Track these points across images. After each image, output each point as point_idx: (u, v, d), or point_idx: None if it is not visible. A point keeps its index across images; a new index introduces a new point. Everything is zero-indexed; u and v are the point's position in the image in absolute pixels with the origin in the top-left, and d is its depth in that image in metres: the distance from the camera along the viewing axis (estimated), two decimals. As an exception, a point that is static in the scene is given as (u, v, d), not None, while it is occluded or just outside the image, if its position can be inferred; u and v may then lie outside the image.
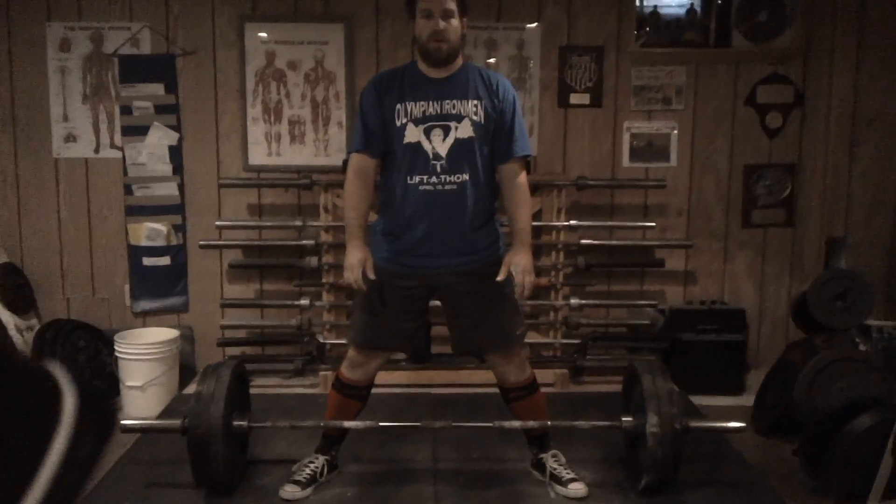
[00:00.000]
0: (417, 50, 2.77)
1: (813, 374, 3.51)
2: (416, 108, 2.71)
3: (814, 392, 3.48)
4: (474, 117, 2.71)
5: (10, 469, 0.66)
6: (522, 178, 2.80)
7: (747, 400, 4.15)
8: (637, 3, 4.45)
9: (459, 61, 2.78)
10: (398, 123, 2.71)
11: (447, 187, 2.70)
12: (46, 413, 0.71)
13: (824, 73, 4.48)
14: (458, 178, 2.70)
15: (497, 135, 2.75)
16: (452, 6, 2.68)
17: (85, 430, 0.72)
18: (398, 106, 2.71)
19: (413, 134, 2.70)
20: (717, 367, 4.36)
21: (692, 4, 4.49)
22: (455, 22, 2.69)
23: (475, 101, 2.72)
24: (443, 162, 2.69)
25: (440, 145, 2.70)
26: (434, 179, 2.70)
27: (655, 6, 4.51)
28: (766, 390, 3.99)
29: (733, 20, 4.42)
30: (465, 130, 2.71)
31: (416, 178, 2.70)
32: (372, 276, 2.72)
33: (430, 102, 2.71)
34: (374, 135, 2.75)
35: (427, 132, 2.70)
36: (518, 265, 2.72)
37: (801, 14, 4.42)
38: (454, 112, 2.71)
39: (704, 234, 4.61)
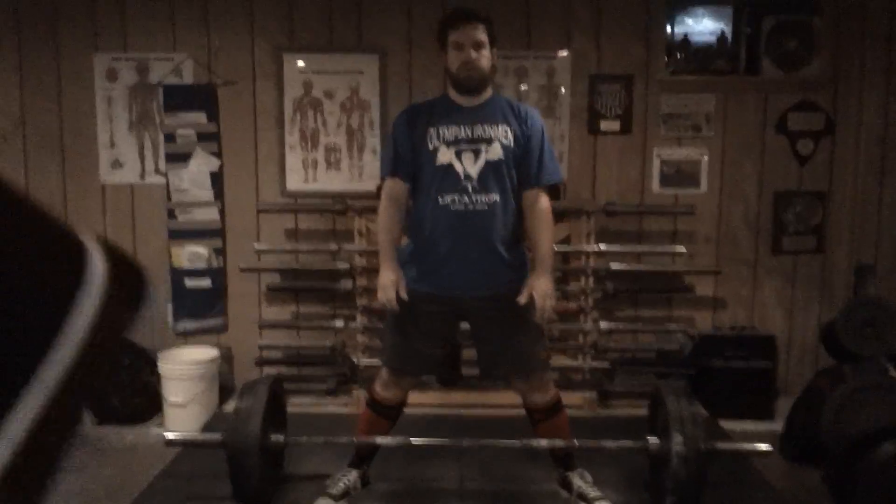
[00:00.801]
0: (449, 80, 2.88)
1: (840, 400, 3.52)
2: (448, 133, 2.81)
3: (841, 419, 3.49)
4: (504, 140, 2.81)
5: (36, 326, 0.59)
6: (546, 204, 2.88)
7: (777, 426, 4.15)
8: (668, 30, 4.53)
9: (489, 91, 2.89)
10: (430, 147, 2.81)
11: (478, 207, 2.79)
12: (74, 269, 0.63)
13: (854, 100, 4.51)
14: (489, 198, 2.79)
15: (524, 161, 2.84)
16: (483, 37, 2.79)
17: (116, 291, 0.65)
18: (430, 130, 2.82)
19: (445, 156, 2.80)
20: (746, 392, 4.36)
21: (722, 32, 4.56)
22: (486, 52, 2.80)
23: (504, 127, 2.82)
24: (474, 183, 2.78)
25: (471, 167, 2.79)
26: (465, 199, 2.78)
27: (686, 34, 4.59)
28: (794, 417, 4.00)
29: (763, 48, 4.49)
30: (494, 153, 2.80)
31: (448, 199, 2.79)
32: (404, 295, 2.82)
33: (462, 127, 2.81)
34: (405, 160, 2.86)
35: (458, 154, 2.79)
36: (539, 290, 2.79)
37: (831, 42, 4.47)
38: (485, 136, 2.80)
39: (734, 260, 4.65)
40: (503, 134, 2.82)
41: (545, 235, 2.88)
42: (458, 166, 2.79)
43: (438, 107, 2.90)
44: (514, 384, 3.05)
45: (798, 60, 4.48)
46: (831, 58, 4.48)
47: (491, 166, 2.79)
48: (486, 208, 2.80)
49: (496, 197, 2.80)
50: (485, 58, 2.80)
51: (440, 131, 2.81)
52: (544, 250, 2.86)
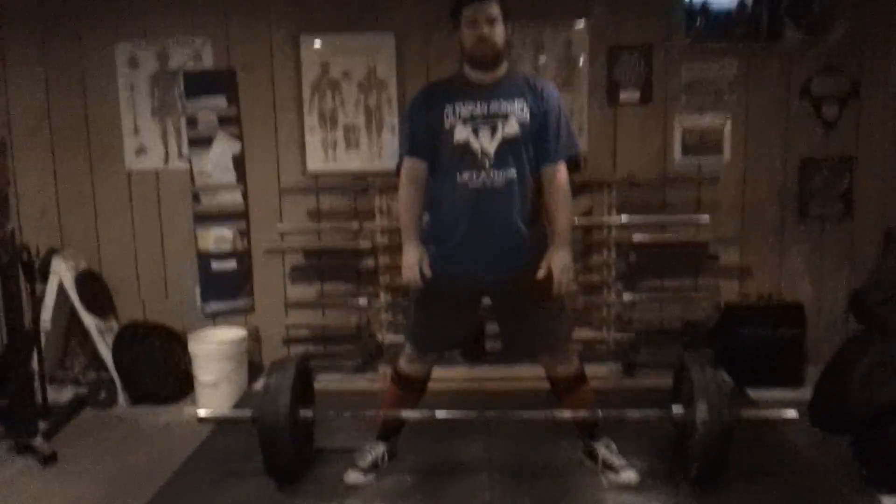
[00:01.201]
0: (464, 58, 2.87)
1: (868, 368, 3.47)
2: (464, 109, 2.81)
3: (869, 387, 3.45)
4: (520, 116, 2.81)
5: None
6: (563, 178, 2.87)
7: (806, 394, 4.12)
8: (686, -2, 4.48)
9: (505, 66, 2.88)
10: (447, 125, 2.82)
11: (496, 184, 2.79)
12: None
13: (880, 62, 4.44)
14: (507, 174, 2.80)
15: (541, 136, 2.84)
16: (496, 13, 2.78)
17: None
18: (447, 108, 2.82)
19: (461, 133, 2.80)
20: (774, 361, 4.36)
21: (740, -2, 4.50)
22: (499, 28, 2.79)
23: (520, 102, 2.82)
24: (491, 159, 2.79)
25: (488, 143, 2.80)
26: (483, 175, 2.79)
27: (705, 1, 4.53)
28: (822, 384, 3.97)
29: (785, 12, 4.41)
30: (511, 128, 2.80)
31: (466, 176, 2.81)
32: (428, 273, 2.85)
33: (478, 103, 2.81)
34: (423, 139, 2.87)
35: (475, 131, 2.80)
36: (557, 264, 2.81)
37: (854, 5, 4.39)
38: (500, 111, 2.80)
39: (759, 228, 4.61)
40: (519, 109, 2.81)
41: (563, 210, 2.87)
42: (474, 143, 2.80)
43: (454, 84, 2.90)
44: (538, 357, 3.06)
45: (821, 24, 4.40)
46: (855, 21, 4.40)
47: (507, 142, 2.80)
48: (504, 184, 2.80)
49: (513, 173, 2.80)
50: (498, 33, 2.79)
51: (456, 108, 2.82)
52: (562, 225, 2.86)
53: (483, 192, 2.80)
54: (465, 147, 2.80)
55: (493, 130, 2.80)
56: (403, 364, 3.12)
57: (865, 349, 3.62)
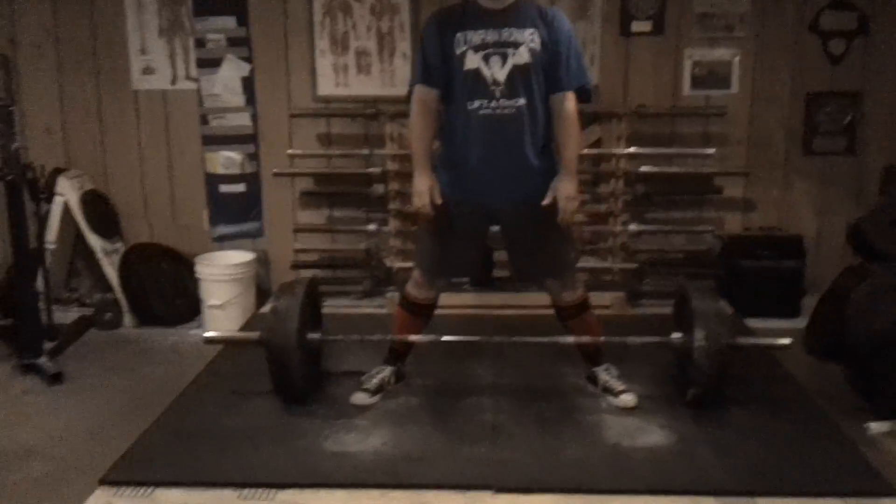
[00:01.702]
0: None
1: (864, 297, 3.53)
2: (476, 37, 2.81)
3: (864, 315, 3.52)
4: (531, 44, 2.81)
5: None
6: (572, 108, 2.89)
7: (803, 323, 4.22)
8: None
9: None
10: (458, 52, 2.82)
11: (506, 111, 2.82)
12: None
13: (890, 1, 4.40)
14: (516, 102, 2.82)
15: (551, 65, 2.84)
16: None
17: None
18: (458, 35, 2.82)
19: (472, 61, 2.81)
20: (774, 292, 4.46)
21: (756, -72, 4.43)
22: None
23: (531, 30, 2.82)
24: (501, 87, 2.80)
25: (498, 71, 2.81)
26: (493, 104, 2.81)
27: (719, -67, 4.46)
28: (818, 312, 4.05)
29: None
30: (521, 57, 2.80)
31: (476, 104, 2.82)
32: (439, 201, 2.89)
33: (489, 31, 2.81)
34: (435, 66, 2.87)
35: (486, 59, 2.80)
36: (562, 192, 2.86)
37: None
38: (511, 40, 2.81)
39: (764, 162, 4.64)
40: (530, 38, 2.81)
41: (571, 139, 2.90)
42: (485, 71, 2.81)
43: (466, 11, 2.89)
44: (544, 284, 3.13)
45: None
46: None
47: (518, 70, 2.80)
48: (514, 112, 2.82)
49: (523, 101, 2.82)
50: None
51: (467, 36, 2.82)
52: (569, 154, 2.89)
53: (493, 119, 2.83)
54: (476, 75, 2.81)
55: (504, 58, 2.80)
56: (412, 289, 3.18)
57: (862, 279, 3.69)
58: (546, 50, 2.83)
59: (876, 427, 3.19)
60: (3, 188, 3.92)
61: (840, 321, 3.61)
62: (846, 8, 4.45)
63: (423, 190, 2.90)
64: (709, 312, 2.97)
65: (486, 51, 2.80)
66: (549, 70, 2.85)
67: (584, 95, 2.97)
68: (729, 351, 2.93)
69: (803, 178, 4.66)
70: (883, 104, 4.52)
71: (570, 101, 2.89)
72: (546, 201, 2.87)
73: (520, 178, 2.90)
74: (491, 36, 2.81)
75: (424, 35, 2.94)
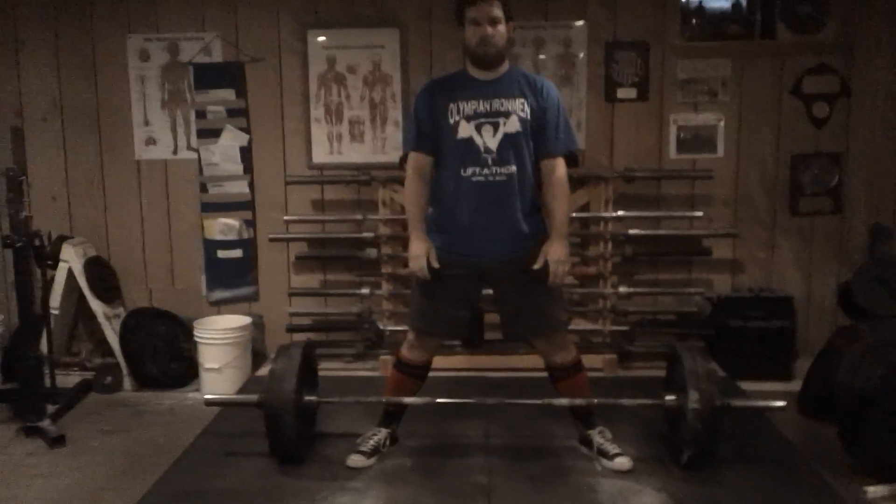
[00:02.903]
0: (467, 55, 2.98)
1: (856, 357, 3.58)
2: (468, 107, 2.93)
3: (857, 375, 3.56)
4: (521, 114, 2.92)
5: None
6: (562, 173, 2.99)
7: (796, 386, 4.22)
8: (682, -3, 4.59)
9: (506, 64, 3.00)
10: (451, 121, 2.93)
11: (497, 178, 2.92)
12: None
13: (870, 62, 4.56)
14: (508, 169, 2.92)
15: (541, 132, 2.96)
16: (499, 13, 2.89)
17: None
18: (451, 105, 2.94)
19: (465, 130, 2.92)
20: (765, 353, 4.47)
21: (734, -2, 4.60)
22: (501, 27, 2.90)
23: (521, 100, 2.94)
24: (493, 155, 2.91)
25: (490, 140, 2.91)
26: (486, 171, 2.91)
27: (698, 0, 4.63)
28: (812, 374, 4.09)
29: (777, 12, 4.52)
30: (512, 126, 2.92)
31: (469, 171, 2.93)
32: (436, 264, 2.97)
33: (480, 101, 2.93)
34: (429, 134, 2.98)
35: (478, 128, 2.92)
36: (553, 255, 2.94)
37: (845, 5, 4.51)
38: (502, 109, 2.92)
39: (751, 223, 4.73)
40: (520, 107, 2.93)
41: (560, 203, 2.99)
42: (478, 140, 2.91)
43: (458, 82, 3.01)
44: (536, 345, 3.18)
45: (812, 24, 4.52)
46: (845, 21, 4.52)
47: (509, 139, 2.91)
48: (506, 179, 2.92)
49: (514, 168, 2.92)
50: (500, 33, 2.90)
51: (460, 106, 2.93)
52: (559, 217, 2.98)
53: (485, 186, 2.92)
54: (469, 143, 2.92)
55: (496, 127, 2.91)
56: (406, 351, 3.23)
57: (853, 339, 3.74)
58: (535, 118, 2.94)
59: (874, 491, 3.19)
60: (12, 255, 4.05)
61: (833, 382, 3.64)
62: (827, 72, 4.60)
63: (420, 254, 2.97)
64: (701, 374, 2.99)
65: (479, 120, 2.91)
66: (539, 136, 2.96)
67: (571, 160, 3.08)
68: (722, 413, 2.95)
69: (791, 238, 4.74)
70: (866, 164, 4.64)
71: (559, 167, 2.99)
72: (537, 265, 2.95)
73: (510, 239, 2.98)
74: (483, 106, 2.92)
75: (418, 103, 3.05)
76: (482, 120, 2.91)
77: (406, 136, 3.14)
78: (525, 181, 2.96)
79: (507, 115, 2.91)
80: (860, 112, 4.60)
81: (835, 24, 4.51)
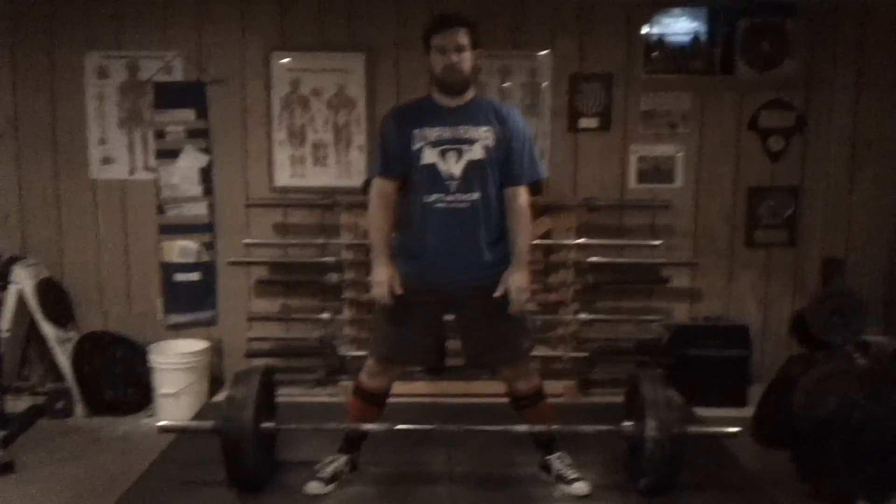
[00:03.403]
0: (433, 82, 2.99)
1: (810, 385, 3.64)
2: (432, 133, 2.94)
3: (810, 403, 3.63)
4: (485, 141, 2.94)
5: None
6: (524, 202, 3.00)
7: (750, 412, 4.29)
8: (644, 31, 4.67)
9: (472, 93, 3.01)
10: (415, 147, 2.93)
11: (461, 205, 2.92)
12: None
13: (825, 98, 4.68)
14: (471, 196, 2.93)
15: (506, 160, 2.97)
16: (465, 41, 2.90)
17: None
18: (415, 131, 2.94)
19: (429, 156, 2.92)
20: (721, 380, 4.54)
21: (696, 34, 4.70)
22: (467, 55, 2.92)
23: (486, 128, 2.95)
24: (457, 181, 2.92)
25: (454, 166, 2.92)
26: (449, 198, 2.92)
27: (661, 35, 4.73)
28: (765, 401, 4.15)
29: (737, 49, 4.64)
30: (476, 153, 2.93)
31: (433, 197, 2.93)
32: (399, 291, 2.96)
33: (445, 128, 2.94)
34: (394, 160, 2.98)
35: (442, 154, 2.92)
36: (513, 284, 2.96)
37: (803, 43, 4.64)
38: (466, 137, 2.93)
39: (709, 253, 4.81)
40: (484, 135, 2.94)
41: (523, 232, 3.01)
42: (441, 166, 2.92)
43: (424, 108, 3.01)
44: (499, 372, 3.18)
45: (771, 61, 4.64)
46: (803, 59, 4.65)
47: (472, 165, 2.92)
48: (468, 206, 2.93)
49: (477, 195, 2.93)
50: (466, 61, 2.91)
51: (424, 132, 2.94)
52: (521, 246, 3.00)
53: (448, 212, 2.93)
54: (433, 169, 2.92)
55: (459, 154, 2.92)
56: (365, 378, 3.20)
57: (806, 367, 3.81)
58: (500, 146, 2.95)
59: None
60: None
61: (787, 409, 3.70)
62: (783, 107, 4.72)
63: (383, 280, 2.96)
64: (660, 402, 3.01)
65: (443, 146, 2.92)
66: (504, 165, 2.97)
67: (536, 188, 3.10)
68: (680, 440, 2.98)
69: (747, 268, 4.83)
70: (820, 198, 4.75)
71: (522, 196, 3.00)
72: (498, 293, 2.96)
73: (473, 266, 2.98)
74: (447, 132, 2.93)
75: (383, 129, 3.05)
76: (446, 146, 2.92)
77: (371, 162, 3.13)
78: (489, 208, 2.96)
79: (470, 142, 2.92)
80: (816, 147, 4.72)
81: (792, 61, 4.63)
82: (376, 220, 3.02)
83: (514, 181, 2.99)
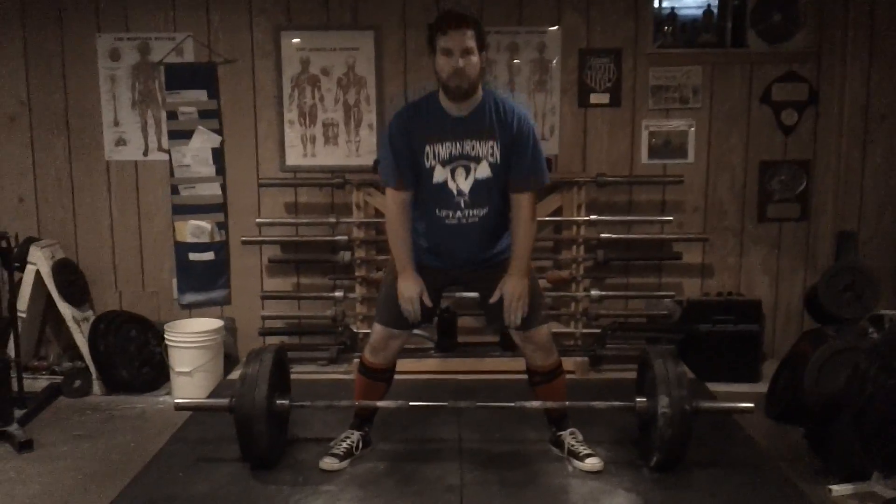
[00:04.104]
0: (439, 84, 2.91)
1: (822, 361, 3.64)
2: (443, 150, 2.92)
3: (822, 379, 3.63)
4: (490, 159, 2.92)
5: None
6: (528, 208, 2.98)
7: (763, 388, 4.30)
8: (655, 4, 4.63)
9: (479, 94, 2.93)
10: (427, 165, 2.94)
11: (470, 220, 2.97)
12: None
13: (837, 71, 4.63)
14: (479, 211, 2.97)
15: (513, 166, 2.95)
16: (472, 44, 2.82)
17: None
18: (427, 148, 2.93)
19: (440, 174, 2.94)
20: (733, 356, 4.54)
21: (708, 6, 4.67)
22: (474, 58, 2.83)
23: (491, 142, 2.91)
24: (466, 198, 2.95)
25: (463, 183, 2.94)
26: (459, 214, 2.96)
27: (672, 8, 4.70)
28: (778, 378, 4.15)
29: (748, 21, 4.60)
30: (482, 171, 2.93)
31: (443, 213, 2.97)
32: (428, 303, 3.00)
33: (454, 143, 2.92)
34: (406, 170, 2.96)
35: (452, 172, 2.94)
36: (509, 291, 2.96)
37: (814, 15, 4.59)
38: (473, 154, 2.92)
39: (721, 228, 4.80)
40: (489, 151, 2.91)
41: (524, 238, 2.99)
42: (451, 184, 2.94)
43: (432, 115, 2.94)
44: (521, 347, 3.18)
45: (783, 33, 4.60)
46: (815, 31, 4.60)
47: (480, 184, 2.94)
48: (477, 220, 2.98)
49: (486, 210, 2.97)
50: (473, 64, 2.82)
51: (436, 150, 2.92)
52: (521, 252, 2.99)
53: (457, 227, 2.98)
54: (443, 187, 2.94)
55: (468, 171, 2.93)
56: (368, 355, 3.22)
57: (819, 343, 3.81)
58: (506, 158, 2.93)
59: (838, 489, 3.27)
60: (-22, 257, 3.97)
61: (799, 385, 3.70)
62: (796, 80, 4.68)
63: (413, 296, 2.98)
64: (671, 378, 3.02)
65: (453, 164, 2.92)
66: (511, 170, 2.95)
67: (535, 195, 3.11)
68: (691, 416, 2.98)
69: (759, 243, 4.81)
70: (833, 171, 4.71)
71: (526, 203, 2.98)
72: (493, 300, 2.99)
73: (481, 258, 3.06)
74: (456, 148, 2.91)
75: (392, 138, 2.98)
76: (455, 164, 2.93)
77: (383, 166, 3.08)
78: (496, 218, 3.01)
79: (477, 160, 2.92)
80: (828, 120, 4.68)
81: (804, 33, 4.59)
82: (399, 232, 3.01)
83: (520, 187, 2.97)
